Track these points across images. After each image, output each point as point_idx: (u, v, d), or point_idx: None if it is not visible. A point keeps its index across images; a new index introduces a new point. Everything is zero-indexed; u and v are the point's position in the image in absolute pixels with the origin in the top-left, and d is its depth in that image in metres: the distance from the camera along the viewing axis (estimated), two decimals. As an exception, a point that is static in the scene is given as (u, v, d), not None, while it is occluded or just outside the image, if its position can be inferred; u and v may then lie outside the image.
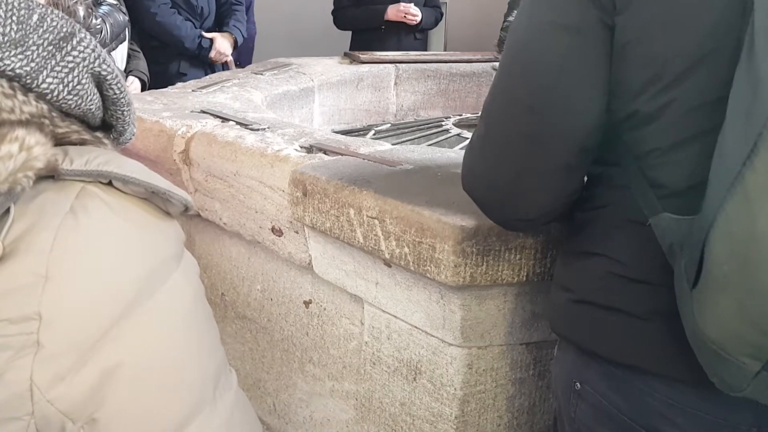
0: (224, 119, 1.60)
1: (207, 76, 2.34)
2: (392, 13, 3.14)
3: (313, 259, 1.28)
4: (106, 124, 0.54)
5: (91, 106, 0.50)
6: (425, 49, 3.31)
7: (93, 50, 0.50)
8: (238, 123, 1.56)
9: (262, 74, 2.36)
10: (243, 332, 1.60)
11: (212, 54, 2.84)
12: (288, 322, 1.45)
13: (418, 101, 2.84)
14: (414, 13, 3.14)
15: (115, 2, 2.12)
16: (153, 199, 0.52)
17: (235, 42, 2.95)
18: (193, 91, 1.99)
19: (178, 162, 1.53)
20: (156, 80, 2.62)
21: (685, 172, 0.70)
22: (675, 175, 0.71)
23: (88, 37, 0.50)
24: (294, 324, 1.44)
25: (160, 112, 1.66)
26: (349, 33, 3.44)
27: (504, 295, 1.02)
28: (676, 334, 0.68)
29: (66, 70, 0.48)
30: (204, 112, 1.66)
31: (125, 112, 0.53)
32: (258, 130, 1.49)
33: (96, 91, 0.51)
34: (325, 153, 1.34)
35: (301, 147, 1.36)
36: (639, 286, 0.75)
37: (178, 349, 0.51)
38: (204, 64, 2.83)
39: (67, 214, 0.46)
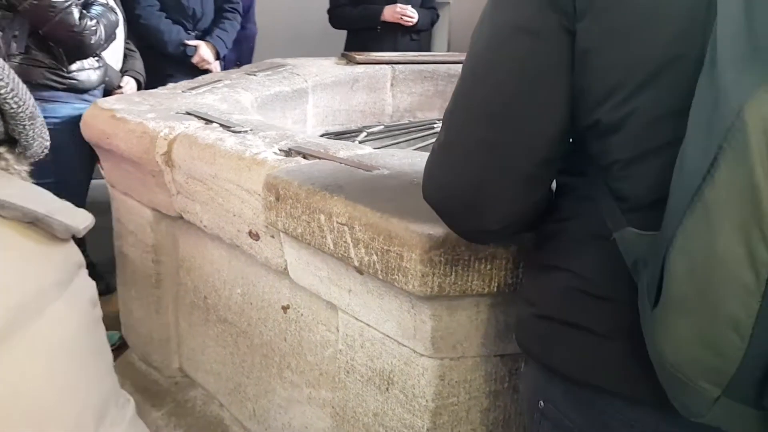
0: (208, 121, 1.58)
1: (200, 77, 2.33)
2: (389, 14, 3.12)
3: (289, 264, 1.26)
4: (12, 138, 0.52)
5: None
6: (422, 50, 3.28)
7: None
8: (221, 125, 1.54)
9: (255, 75, 2.34)
10: (224, 336, 1.58)
11: (195, 59, 2.82)
12: (267, 326, 1.43)
13: (414, 102, 2.81)
14: (410, 15, 3.11)
15: (105, 2, 2.11)
16: (39, 223, 0.49)
17: (218, 53, 2.92)
18: (182, 91, 1.97)
19: (160, 164, 1.51)
20: (149, 81, 2.60)
21: (649, 185, 0.66)
22: (639, 188, 0.68)
23: None
24: (272, 329, 1.42)
25: (146, 113, 1.64)
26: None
27: (476, 305, 1.00)
28: (639, 354, 0.65)
29: None
30: (189, 113, 1.65)
31: (27, 126, 0.51)
32: (240, 132, 1.47)
33: None
34: (304, 157, 1.31)
35: (280, 150, 1.34)
36: (602, 303, 0.72)
37: (50, 384, 0.48)
38: (192, 68, 2.82)
39: None
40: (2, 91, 0.48)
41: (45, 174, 2.02)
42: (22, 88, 0.49)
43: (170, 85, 2.11)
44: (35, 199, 0.49)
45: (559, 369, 0.76)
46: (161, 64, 2.78)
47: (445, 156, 0.76)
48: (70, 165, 1.97)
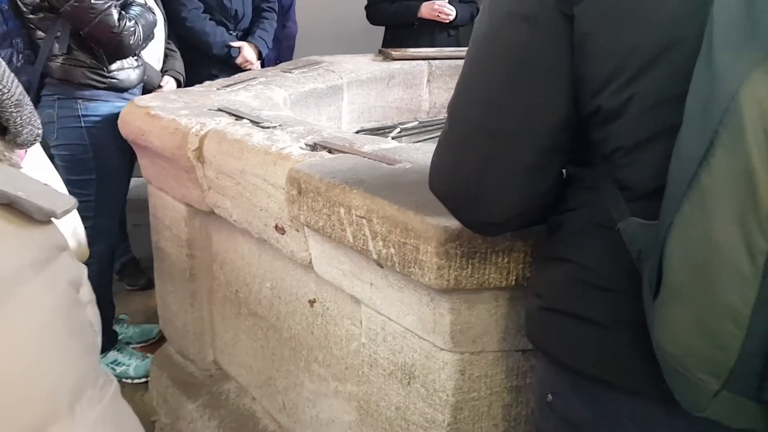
0: (238, 117, 1.60)
1: (236, 75, 2.36)
2: (426, 11, 3.09)
3: (313, 258, 1.26)
4: (1, 126, 0.53)
5: None
6: (460, 45, 3.24)
7: None
8: (251, 121, 1.56)
9: (291, 72, 2.36)
10: (255, 329, 1.60)
11: (239, 60, 2.87)
12: (295, 320, 1.44)
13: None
14: (448, 12, 3.08)
15: (143, 2, 2.15)
16: (15, 205, 0.50)
17: (260, 53, 2.96)
18: (217, 89, 2.01)
19: (192, 159, 1.54)
20: (192, 80, 2.65)
21: (651, 173, 0.65)
22: (641, 176, 0.67)
23: None
24: (300, 323, 1.43)
25: (179, 110, 1.67)
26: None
27: (495, 299, 0.98)
28: (644, 347, 0.64)
29: None
30: (220, 110, 1.67)
31: (14, 114, 0.52)
32: (268, 128, 1.48)
33: None
34: (329, 151, 1.32)
35: (306, 145, 1.35)
36: (607, 295, 0.70)
37: (21, 361, 0.49)
38: (236, 68, 2.86)
39: None
40: None
41: (87, 170, 2.08)
42: (8, 76, 0.51)
43: (206, 83, 2.15)
44: (13, 182, 0.50)
45: (565, 362, 0.75)
46: (206, 64, 2.83)
47: (448, 147, 0.76)
48: (111, 162, 2.03)
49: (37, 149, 1.43)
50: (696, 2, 0.59)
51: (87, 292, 0.58)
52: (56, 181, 1.41)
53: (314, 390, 1.44)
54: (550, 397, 0.78)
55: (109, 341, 2.15)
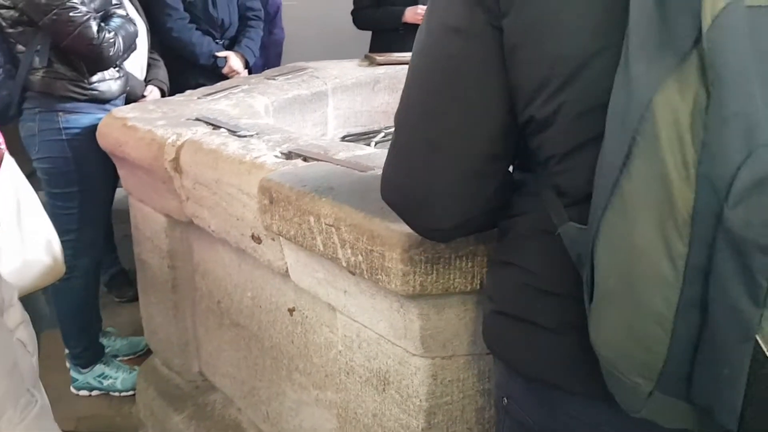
0: (216, 126, 1.60)
1: (219, 83, 2.36)
2: (410, 15, 3.10)
3: (289, 266, 1.26)
4: None
5: None
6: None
7: None
8: (228, 130, 1.56)
9: (275, 79, 2.36)
10: (238, 339, 1.60)
11: (225, 70, 2.87)
12: (276, 329, 1.44)
13: (437, 102, 2.78)
14: None
15: (125, 14, 2.15)
16: None
17: (247, 62, 2.96)
18: (198, 98, 2.00)
19: (169, 170, 1.54)
20: (179, 90, 2.65)
21: (584, 179, 0.65)
22: (575, 183, 0.68)
23: None
24: (281, 332, 1.42)
25: (156, 120, 1.67)
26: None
27: (463, 303, 0.98)
28: (589, 350, 0.64)
29: None
30: (198, 119, 1.67)
31: None
32: (244, 137, 1.48)
33: None
34: (304, 159, 1.31)
35: (281, 153, 1.35)
36: (550, 298, 0.71)
37: None
38: (221, 77, 2.86)
39: None
40: None
41: (69, 183, 2.08)
42: None
43: (188, 91, 2.15)
44: None
45: (516, 365, 0.76)
46: (192, 74, 2.83)
47: (394, 155, 0.77)
48: (94, 174, 2.02)
49: (10, 163, 1.43)
50: (618, 12, 0.59)
51: (18, 314, 0.57)
52: (29, 194, 1.41)
53: (296, 399, 1.43)
54: (505, 400, 0.79)
55: (96, 354, 2.14)
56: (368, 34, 3.39)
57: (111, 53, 2.00)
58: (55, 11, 1.84)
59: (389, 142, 2.31)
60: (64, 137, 1.97)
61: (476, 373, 1.04)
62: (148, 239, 1.77)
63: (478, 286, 0.93)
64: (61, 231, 1.98)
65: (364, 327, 1.13)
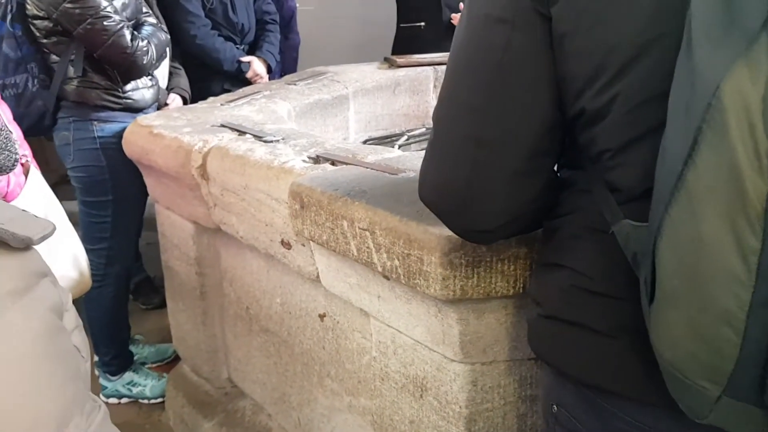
0: (241, 132, 1.59)
1: (240, 89, 2.36)
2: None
3: (320, 272, 1.24)
4: None
5: None
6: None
7: None
8: (253, 135, 1.55)
9: (295, 84, 2.36)
10: (267, 346, 1.59)
11: (249, 74, 2.88)
12: (306, 335, 1.43)
13: (458, 102, 2.77)
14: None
15: (155, 22, 2.16)
16: None
17: (269, 66, 2.97)
18: (221, 105, 2.00)
19: (196, 177, 1.53)
20: (203, 96, 2.66)
21: (640, 174, 0.63)
22: (630, 178, 0.65)
23: None
24: (311, 337, 1.41)
25: (181, 128, 1.67)
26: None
27: (504, 307, 0.96)
28: (646, 353, 0.61)
29: None
30: (223, 126, 1.67)
31: None
32: (270, 142, 1.47)
33: None
34: (332, 163, 1.30)
35: (308, 158, 1.34)
36: (605, 300, 0.68)
37: (4, 393, 0.48)
38: (245, 82, 2.87)
39: None
40: None
41: (103, 192, 2.09)
42: None
43: (210, 98, 2.15)
44: None
45: (567, 371, 0.73)
46: (216, 80, 2.84)
47: (434, 155, 0.75)
48: (127, 183, 2.01)
49: (36, 175, 1.43)
50: None
51: (72, 318, 0.57)
52: (55, 207, 1.41)
53: (328, 405, 1.42)
54: (555, 408, 0.76)
55: (126, 362, 2.15)
56: (384, 36, 3.38)
57: (145, 61, 2.02)
58: (89, 20, 1.85)
59: (413, 144, 2.30)
60: (98, 146, 1.97)
61: (517, 378, 1.01)
62: (176, 246, 1.77)
63: (521, 290, 0.91)
64: (93, 239, 2.00)
65: (399, 332, 1.11)
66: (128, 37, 1.95)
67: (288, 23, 3.50)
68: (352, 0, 4.04)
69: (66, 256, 1.38)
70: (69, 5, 1.84)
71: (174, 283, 1.84)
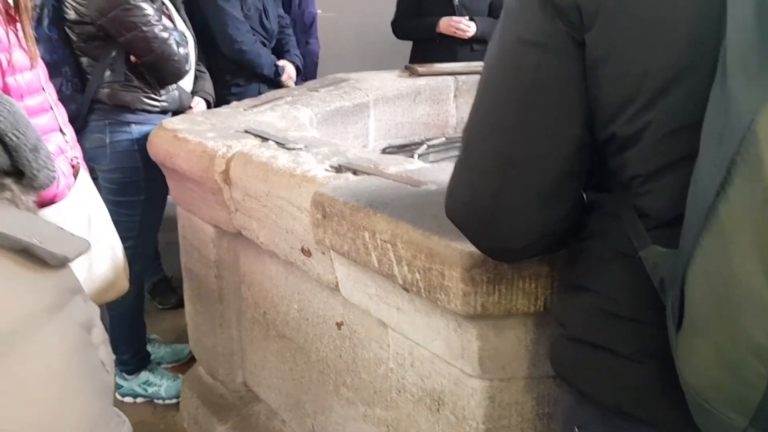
0: (264, 139, 1.61)
1: (263, 94, 2.38)
2: (444, 26, 3.09)
3: (339, 281, 1.25)
4: (18, 170, 0.53)
5: None
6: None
7: None
8: (276, 142, 1.56)
9: (317, 91, 2.37)
10: (283, 351, 1.59)
11: (284, 77, 2.93)
12: (323, 343, 1.43)
13: (479, 113, 2.76)
14: (464, 28, 3.07)
15: (174, 26, 2.18)
16: (30, 251, 0.50)
17: (298, 68, 3.05)
18: (244, 110, 2.02)
19: (219, 182, 1.54)
20: (239, 100, 2.69)
21: (670, 201, 0.63)
22: (660, 204, 0.65)
23: None
24: (328, 345, 1.42)
25: (205, 132, 1.69)
26: (416, 45, 3.41)
27: (524, 324, 0.96)
28: (672, 379, 0.61)
29: None
30: (247, 131, 1.68)
31: (30, 159, 0.52)
32: (293, 149, 1.48)
33: None
34: (354, 172, 1.31)
35: (331, 167, 1.34)
36: (630, 325, 0.68)
37: (36, 407, 0.49)
38: (277, 85, 2.92)
39: None
40: (3, 126, 0.49)
41: (137, 192, 2.12)
42: (24, 122, 0.51)
43: (234, 103, 2.17)
44: (27, 228, 0.50)
45: (590, 393, 0.73)
46: (253, 83, 2.89)
47: (463, 172, 0.75)
48: (159, 182, 2.03)
49: (84, 176, 1.46)
50: (710, 27, 0.57)
51: (99, 333, 0.58)
52: (100, 208, 1.44)
53: (343, 414, 1.42)
54: (576, 430, 0.76)
55: (143, 361, 2.17)
56: (402, 44, 3.39)
57: (187, 67, 2.06)
58: (140, 28, 1.89)
59: (432, 154, 2.30)
60: (136, 148, 2.00)
61: (535, 396, 1.01)
62: (196, 249, 1.79)
63: (542, 308, 0.91)
64: (120, 238, 2.03)
65: (417, 345, 1.11)
66: (174, 45, 1.99)
67: (309, 29, 3.53)
68: (372, 7, 4.06)
69: (105, 259, 1.41)
70: (120, 12, 1.87)
71: (193, 285, 1.85)
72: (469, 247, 0.89)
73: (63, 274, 0.53)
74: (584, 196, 0.77)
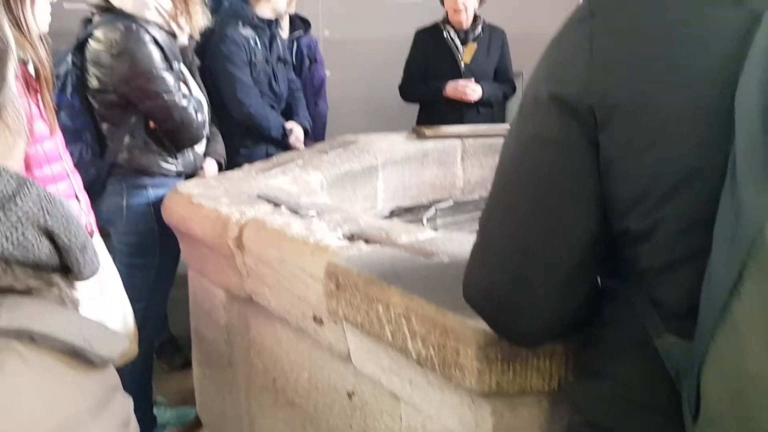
0: (277, 204, 1.63)
1: (274, 157, 2.43)
2: (450, 90, 3.16)
3: (351, 351, 1.25)
4: (65, 266, 0.55)
5: (41, 255, 0.52)
6: (495, 121, 3.29)
7: (39, 206, 0.51)
8: (289, 209, 1.59)
9: (326, 153, 2.42)
10: (293, 419, 1.58)
11: (291, 139, 2.99)
12: (333, 412, 1.42)
13: (486, 175, 2.80)
14: (471, 92, 3.14)
15: (189, 91, 2.25)
16: (80, 352, 0.52)
17: (306, 130, 3.11)
18: (256, 173, 2.06)
19: (232, 247, 1.56)
20: (247, 162, 2.74)
21: (683, 294, 0.65)
22: (674, 296, 0.67)
23: (36, 191, 0.51)
24: (339, 415, 1.41)
25: (219, 197, 1.72)
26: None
27: (538, 402, 0.95)
28: None
29: (9, 225, 0.49)
30: (260, 197, 1.71)
31: (78, 257, 0.54)
32: (306, 216, 1.51)
33: (45, 241, 0.52)
34: (366, 241, 1.33)
35: (343, 235, 1.37)
36: (647, 413, 0.69)
37: None
38: (286, 146, 2.98)
39: None
40: (56, 229, 0.52)
41: (151, 254, 2.14)
42: (75, 223, 0.53)
43: (246, 166, 2.21)
44: (76, 329, 0.52)
45: None
46: (261, 145, 2.96)
47: (481, 259, 0.77)
48: (172, 245, 2.06)
49: (98, 241, 1.49)
50: (719, 131, 0.60)
51: (134, 427, 0.58)
52: (112, 271, 1.46)
53: (353, 485, 1.40)
54: None
55: (149, 425, 2.14)
56: (409, 105, 3.47)
57: (203, 133, 2.12)
58: (161, 96, 1.95)
59: (439, 219, 2.31)
60: (152, 210, 2.03)
61: (550, 473, 1.00)
62: (206, 313, 1.79)
63: (556, 386, 0.91)
64: (132, 299, 2.04)
65: (430, 419, 1.10)
66: (193, 113, 2.05)
67: (318, 91, 3.62)
68: (379, 70, 4.17)
69: (117, 323, 1.42)
70: (141, 82, 1.93)
71: (202, 349, 1.85)
72: (484, 325, 0.90)
73: (107, 373, 0.54)
74: (599, 281, 0.79)
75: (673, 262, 0.66)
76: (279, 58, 3.08)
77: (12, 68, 0.57)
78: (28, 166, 1.51)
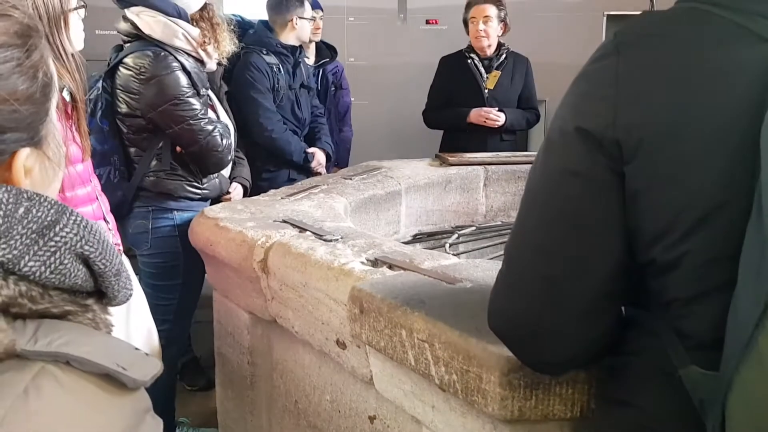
0: (302, 229, 1.66)
1: (299, 182, 2.46)
2: (474, 116, 3.18)
3: (374, 375, 1.26)
4: (100, 291, 0.58)
5: (77, 281, 0.54)
6: (518, 149, 3.30)
7: (76, 233, 0.53)
8: (313, 233, 1.62)
9: (351, 179, 2.45)
10: (313, 442, 1.59)
11: (313, 164, 3.04)
12: (354, 436, 1.43)
13: (508, 202, 2.81)
14: (494, 118, 3.16)
15: (214, 117, 2.30)
16: (113, 376, 0.54)
17: (329, 155, 3.16)
18: (281, 198, 2.09)
19: (257, 270, 1.59)
20: (270, 185, 2.79)
21: (709, 325, 0.65)
22: (699, 327, 0.67)
23: (74, 219, 0.53)
24: (360, 439, 1.41)
25: (246, 221, 1.75)
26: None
27: (560, 429, 0.96)
28: None
29: (48, 253, 0.52)
30: (285, 221, 1.74)
31: (113, 282, 0.57)
32: (330, 241, 1.53)
33: (81, 267, 0.54)
34: (389, 267, 1.35)
35: (367, 260, 1.38)
36: None
37: None
38: (308, 171, 3.03)
39: (19, 396, 0.48)
40: (92, 255, 0.54)
41: (175, 276, 2.18)
42: (111, 249, 0.56)
43: (271, 191, 2.25)
44: (110, 353, 0.54)
45: None
46: (284, 169, 3.03)
47: (505, 288, 0.79)
48: (196, 268, 2.09)
49: (125, 262, 1.52)
50: (745, 165, 0.61)
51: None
52: (138, 292, 1.49)
53: None
54: None
55: (171, 447, 2.16)
56: (432, 131, 3.50)
57: (229, 158, 2.17)
58: (187, 121, 2.01)
59: (461, 245, 2.31)
60: (177, 233, 2.08)
61: (572, 502, 1.00)
62: (230, 334, 1.82)
63: (578, 414, 0.91)
64: (157, 321, 2.08)
65: (451, 444, 1.11)
66: (219, 137, 2.10)
67: (343, 117, 3.68)
68: (403, 96, 4.22)
69: (143, 348, 1.44)
70: (169, 107, 1.99)
71: (225, 370, 1.87)
72: (507, 351, 0.91)
73: (139, 395, 0.56)
74: (623, 310, 0.79)
75: (698, 294, 0.67)
76: (302, 85, 3.14)
77: (54, 102, 0.60)
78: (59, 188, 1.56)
